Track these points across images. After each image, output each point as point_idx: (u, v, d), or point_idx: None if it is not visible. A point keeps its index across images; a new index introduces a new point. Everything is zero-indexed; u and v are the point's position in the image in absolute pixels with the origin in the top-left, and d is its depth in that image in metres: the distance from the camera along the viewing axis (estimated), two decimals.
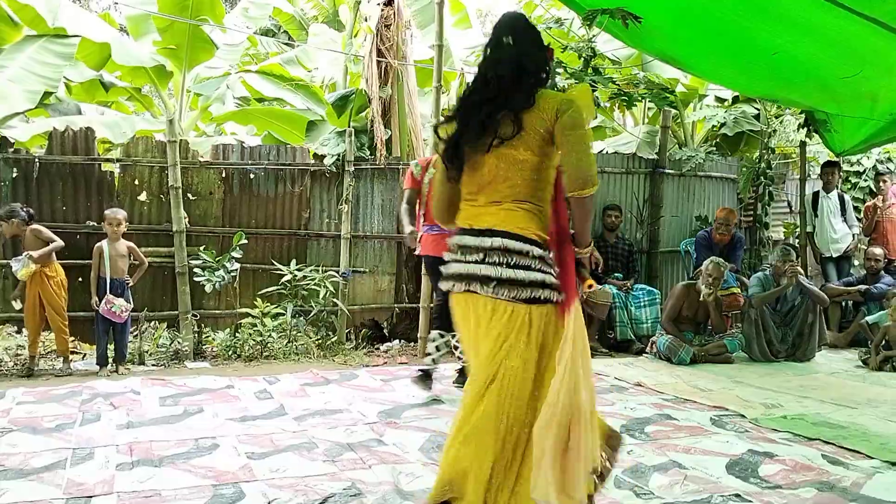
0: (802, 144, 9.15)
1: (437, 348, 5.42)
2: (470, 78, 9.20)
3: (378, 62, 7.87)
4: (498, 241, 2.72)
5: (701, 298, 6.99)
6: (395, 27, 7.96)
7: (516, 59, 2.85)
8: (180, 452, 3.99)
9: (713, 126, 9.75)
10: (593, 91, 7.35)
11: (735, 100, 9.94)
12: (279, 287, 7.13)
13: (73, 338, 6.65)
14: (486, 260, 2.72)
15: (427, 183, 5.32)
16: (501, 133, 2.74)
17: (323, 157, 7.51)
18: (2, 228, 6.14)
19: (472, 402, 2.68)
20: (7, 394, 5.25)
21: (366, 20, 8.12)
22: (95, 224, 6.78)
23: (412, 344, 7.48)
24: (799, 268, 7.27)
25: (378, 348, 7.43)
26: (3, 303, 6.74)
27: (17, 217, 6.13)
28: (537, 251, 2.73)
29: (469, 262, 2.77)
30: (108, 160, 7.20)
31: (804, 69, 5.93)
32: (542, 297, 2.70)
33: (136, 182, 7.12)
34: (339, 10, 12.93)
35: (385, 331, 7.82)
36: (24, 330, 6.53)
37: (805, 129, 8.74)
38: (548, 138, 2.74)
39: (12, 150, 6.87)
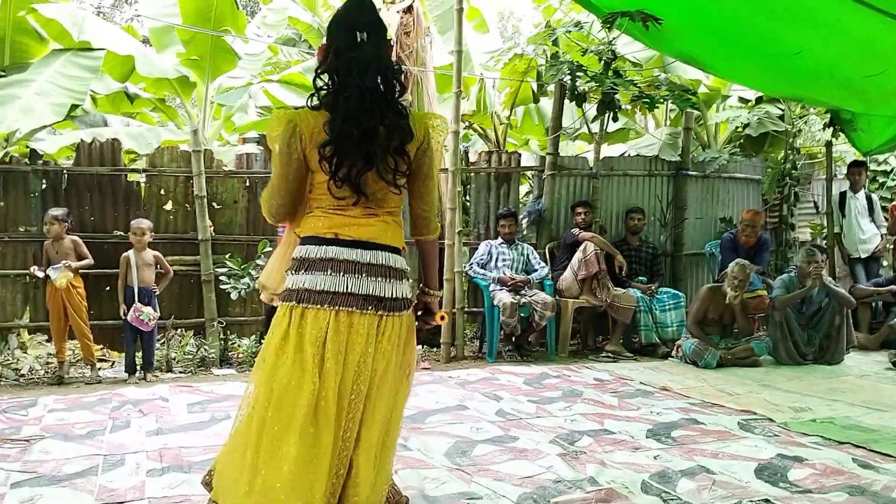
0: (828, 144, 9.09)
1: None
2: (489, 83, 9.14)
3: None
4: (382, 256, 2.70)
5: (727, 301, 6.94)
6: (415, 34, 8.00)
7: (379, 66, 2.65)
8: (209, 458, 4.01)
9: (737, 127, 9.71)
10: (614, 94, 7.35)
11: (759, 100, 9.89)
12: None
13: (101, 346, 6.74)
14: (367, 274, 2.64)
15: None
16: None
17: None
18: (53, 227, 6.27)
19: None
20: (39, 401, 5.32)
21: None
22: (122, 233, 6.86)
23: (435, 349, 7.50)
24: (824, 269, 7.20)
25: None
26: (33, 312, 6.84)
27: (67, 221, 6.36)
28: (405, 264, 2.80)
29: (342, 277, 2.61)
30: (134, 170, 7.29)
31: (828, 68, 5.89)
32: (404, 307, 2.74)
33: (162, 192, 7.20)
34: None
35: None
36: (52, 338, 6.64)
37: (831, 128, 8.70)
38: (410, 160, 2.70)
39: (41, 161, 6.99)
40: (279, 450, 2.50)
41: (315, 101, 2.71)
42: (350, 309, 2.59)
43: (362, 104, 2.58)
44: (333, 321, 2.57)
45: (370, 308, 2.62)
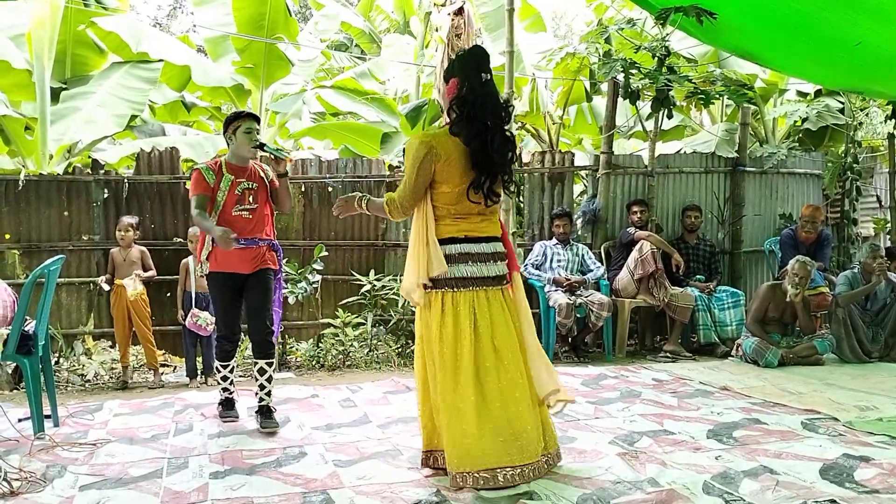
0: (891, 137, 8.86)
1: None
2: (541, 83, 9.14)
3: None
4: (497, 245, 3.78)
5: (787, 299, 6.81)
6: (466, 36, 8.00)
7: (499, 101, 3.71)
8: (270, 461, 4.08)
9: (795, 121, 9.52)
10: (669, 91, 7.26)
11: (818, 93, 9.69)
12: (359, 297, 7.24)
13: (163, 351, 6.88)
14: (493, 260, 3.73)
15: (224, 190, 4.72)
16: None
17: (398, 167, 7.59)
18: (128, 235, 6.45)
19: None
20: (105, 406, 5.46)
21: (436, 30, 8.20)
22: (182, 240, 7.00)
23: None
24: (888, 265, 7.03)
25: None
26: (98, 318, 7.02)
27: (139, 230, 6.61)
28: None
29: (481, 264, 3.69)
30: None
31: (890, 59, 5.74)
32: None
33: None
34: (410, 21, 13.07)
35: None
36: (117, 344, 6.80)
37: (893, 120, 8.48)
38: None
39: (103, 171, 7.16)
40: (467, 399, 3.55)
41: (450, 127, 3.66)
42: (487, 287, 3.69)
43: (494, 133, 3.61)
44: (478, 298, 3.65)
45: (498, 284, 3.74)
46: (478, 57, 3.66)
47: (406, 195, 3.67)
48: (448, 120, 3.71)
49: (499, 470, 3.51)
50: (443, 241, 3.64)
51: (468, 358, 3.56)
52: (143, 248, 6.58)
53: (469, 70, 3.61)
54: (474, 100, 3.57)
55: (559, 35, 10.28)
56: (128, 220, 6.51)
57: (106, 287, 6.37)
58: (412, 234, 3.77)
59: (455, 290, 3.63)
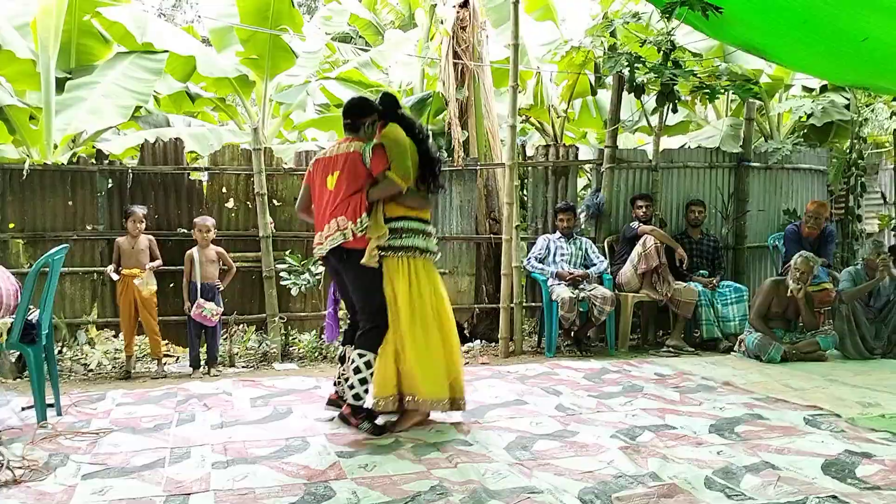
0: None
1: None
2: (546, 76, 9.15)
3: (454, 64, 7.91)
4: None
5: (789, 294, 6.80)
6: (471, 28, 7.99)
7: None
8: (272, 451, 4.09)
9: (800, 117, 9.48)
10: (674, 85, 7.25)
11: (823, 89, 9.65)
12: None
13: (166, 341, 6.89)
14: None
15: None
16: None
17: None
18: (140, 225, 6.46)
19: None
20: (107, 395, 5.47)
21: (441, 23, 8.18)
22: (186, 231, 7.01)
23: (493, 344, 7.51)
24: (892, 261, 7.01)
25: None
26: (101, 308, 7.03)
27: (146, 219, 6.58)
28: None
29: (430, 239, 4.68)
30: (196, 169, 7.43)
31: None
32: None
33: (224, 190, 7.33)
34: (416, 13, 13.03)
35: (466, 331, 7.84)
36: (120, 334, 6.82)
37: None
38: None
39: (107, 162, 7.16)
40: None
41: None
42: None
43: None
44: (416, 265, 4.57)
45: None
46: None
47: (409, 172, 4.48)
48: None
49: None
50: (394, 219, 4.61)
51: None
52: (151, 237, 6.59)
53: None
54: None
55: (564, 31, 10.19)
56: (139, 210, 6.50)
57: (115, 277, 6.37)
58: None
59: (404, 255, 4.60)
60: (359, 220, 4.41)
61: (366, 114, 4.63)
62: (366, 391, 4.40)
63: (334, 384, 4.86)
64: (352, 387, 4.38)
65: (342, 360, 4.82)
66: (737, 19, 5.91)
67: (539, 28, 10.65)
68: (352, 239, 4.41)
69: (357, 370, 4.38)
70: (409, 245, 4.54)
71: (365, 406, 4.42)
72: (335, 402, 4.70)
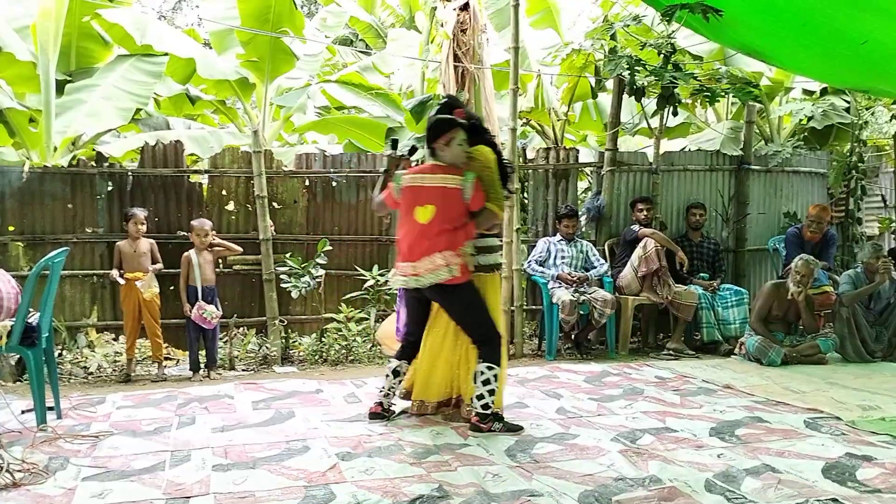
0: None
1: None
2: (546, 79, 9.13)
3: (455, 67, 7.90)
4: None
5: (789, 297, 6.80)
6: (472, 31, 7.98)
7: None
8: (273, 455, 4.08)
9: (801, 120, 9.48)
10: (674, 88, 7.25)
11: (823, 92, 9.64)
12: (362, 292, 7.24)
13: (165, 344, 6.88)
14: None
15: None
16: None
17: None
18: (142, 227, 6.45)
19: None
20: (107, 399, 5.46)
21: (442, 25, 8.17)
22: (186, 234, 7.00)
23: None
24: (892, 264, 7.01)
25: None
26: (101, 311, 7.02)
27: (146, 222, 6.57)
28: None
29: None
30: (196, 171, 7.42)
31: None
32: None
33: (224, 192, 7.33)
34: (416, 16, 13.03)
35: None
36: (120, 337, 6.81)
37: None
38: None
39: (107, 164, 7.15)
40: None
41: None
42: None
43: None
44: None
45: None
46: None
47: (503, 198, 4.70)
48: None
49: None
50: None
51: None
52: (152, 241, 6.58)
53: None
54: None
55: (566, 36, 10.14)
56: (141, 213, 6.49)
57: (121, 281, 6.36)
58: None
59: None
60: (460, 249, 4.47)
61: (440, 134, 4.56)
62: (493, 401, 4.51)
63: (385, 395, 4.88)
64: (481, 397, 4.49)
65: (396, 373, 4.85)
66: (737, 22, 5.90)
67: (540, 31, 10.64)
68: (458, 275, 4.44)
69: (486, 382, 4.48)
70: (492, 263, 4.82)
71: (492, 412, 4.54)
72: (380, 414, 4.82)
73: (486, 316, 4.61)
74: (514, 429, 4.54)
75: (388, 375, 4.87)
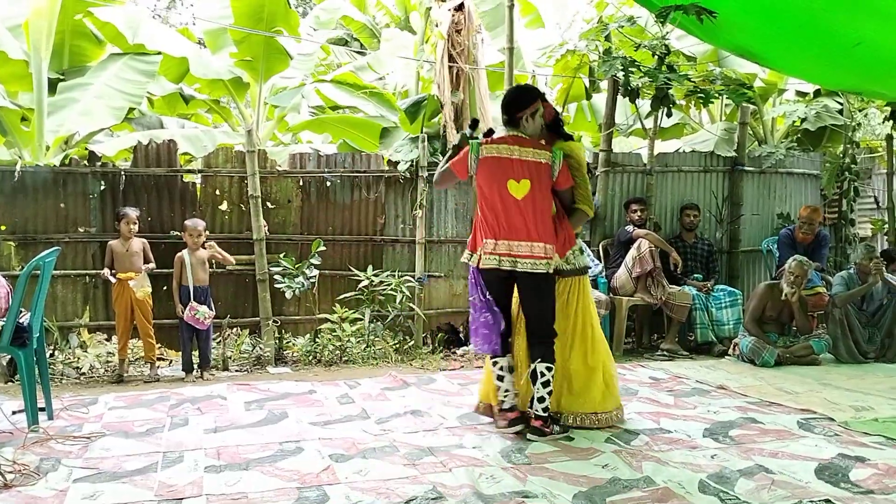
0: (889, 138, 8.86)
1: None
2: (541, 80, 9.13)
3: (450, 67, 7.90)
4: None
5: (783, 298, 6.81)
6: (466, 31, 7.98)
7: None
8: (266, 456, 4.07)
9: (794, 121, 9.51)
10: (668, 89, 7.25)
11: (817, 94, 9.68)
12: (357, 293, 7.22)
13: (158, 345, 6.85)
14: None
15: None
16: None
17: (397, 163, 7.57)
18: (135, 227, 6.42)
19: None
20: (100, 399, 5.43)
21: (437, 26, 8.17)
22: (179, 234, 6.97)
23: None
24: (885, 266, 7.04)
25: (455, 352, 7.45)
26: (93, 311, 6.98)
27: (139, 222, 6.54)
28: None
29: None
30: (189, 171, 7.39)
31: (889, 60, 5.73)
32: None
33: (217, 192, 7.30)
34: (411, 16, 13.03)
35: (461, 335, 7.82)
36: (113, 337, 6.78)
37: (891, 121, 8.48)
38: None
39: (100, 163, 7.11)
40: None
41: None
42: None
43: None
44: None
45: None
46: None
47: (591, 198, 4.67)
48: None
49: None
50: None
51: None
52: (144, 241, 6.55)
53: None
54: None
55: (562, 26, 10.16)
56: (133, 212, 6.46)
57: (113, 280, 6.34)
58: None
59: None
60: (568, 254, 4.55)
61: (526, 104, 4.43)
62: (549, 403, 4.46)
63: (510, 399, 4.56)
64: (542, 399, 4.39)
65: (511, 370, 4.59)
66: (730, 24, 5.91)
67: (533, 32, 10.68)
68: (552, 270, 4.41)
69: (546, 384, 4.38)
70: (584, 266, 4.82)
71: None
72: (519, 419, 4.52)
73: (554, 313, 4.50)
74: (566, 430, 4.48)
75: (501, 377, 4.54)
